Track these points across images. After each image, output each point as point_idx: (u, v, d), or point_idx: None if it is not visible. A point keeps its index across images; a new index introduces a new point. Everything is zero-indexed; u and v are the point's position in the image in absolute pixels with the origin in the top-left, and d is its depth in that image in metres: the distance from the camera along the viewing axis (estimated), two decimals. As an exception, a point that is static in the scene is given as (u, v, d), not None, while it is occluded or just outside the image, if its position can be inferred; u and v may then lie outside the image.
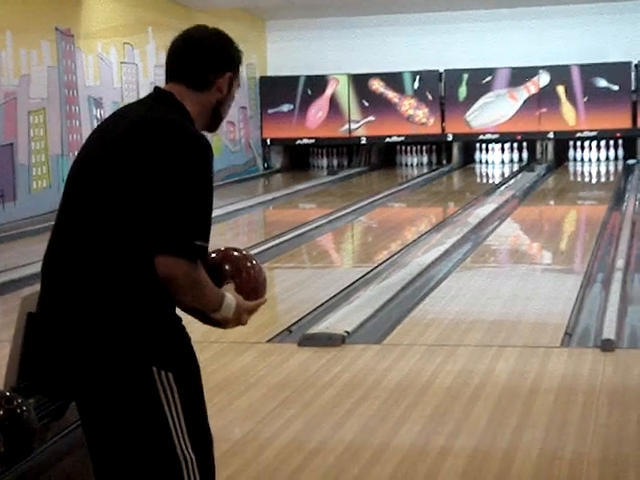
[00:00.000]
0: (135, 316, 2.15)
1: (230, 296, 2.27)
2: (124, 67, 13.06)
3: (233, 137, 16.44)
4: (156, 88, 2.35)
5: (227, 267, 2.35)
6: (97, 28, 12.48)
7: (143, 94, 10.67)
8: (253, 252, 8.59)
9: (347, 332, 5.40)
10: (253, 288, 2.37)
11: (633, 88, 15.99)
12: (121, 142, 2.17)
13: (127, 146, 2.16)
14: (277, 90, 17.24)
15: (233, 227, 11.25)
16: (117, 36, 12.90)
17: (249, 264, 2.39)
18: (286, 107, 17.25)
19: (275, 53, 17.67)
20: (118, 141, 2.17)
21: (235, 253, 2.41)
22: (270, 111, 17.33)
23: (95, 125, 12.29)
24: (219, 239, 10.45)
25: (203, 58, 2.31)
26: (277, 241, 9.20)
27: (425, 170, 16.57)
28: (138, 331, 2.15)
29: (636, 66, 15.97)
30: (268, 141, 17.43)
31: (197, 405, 2.30)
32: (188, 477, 2.18)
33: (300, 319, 5.95)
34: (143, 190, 2.11)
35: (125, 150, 2.15)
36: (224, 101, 2.34)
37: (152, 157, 2.13)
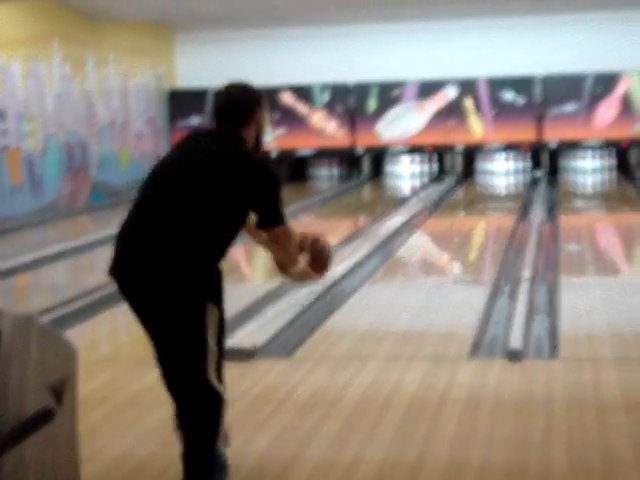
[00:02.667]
0: (201, 262, 3.35)
1: (301, 260, 3.57)
2: (29, 79, 12.83)
3: (142, 149, 16.28)
4: (221, 126, 3.49)
5: (306, 244, 3.59)
6: (1, 40, 12.24)
7: (48, 106, 10.50)
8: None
9: (257, 346, 5.38)
10: (316, 260, 3.60)
11: (538, 101, 16.34)
12: (215, 163, 3.35)
13: (220, 167, 3.35)
14: (186, 102, 17.14)
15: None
16: (22, 48, 12.67)
17: (318, 247, 3.61)
18: (196, 120, 17.16)
19: (184, 66, 17.58)
20: (213, 162, 3.36)
21: (312, 237, 3.63)
22: (179, 124, 17.22)
23: None
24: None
25: (244, 106, 3.52)
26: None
27: (335, 183, 16.66)
28: (200, 271, 3.36)
29: (541, 79, 16.33)
30: (178, 154, 17.29)
31: (220, 319, 3.47)
32: (208, 360, 3.38)
33: (210, 333, 5.90)
34: (230, 195, 3.33)
35: (220, 169, 3.35)
36: (261, 128, 3.57)
37: (238, 177, 3.35)
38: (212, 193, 3.33)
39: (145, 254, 3.35)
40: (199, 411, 3.43)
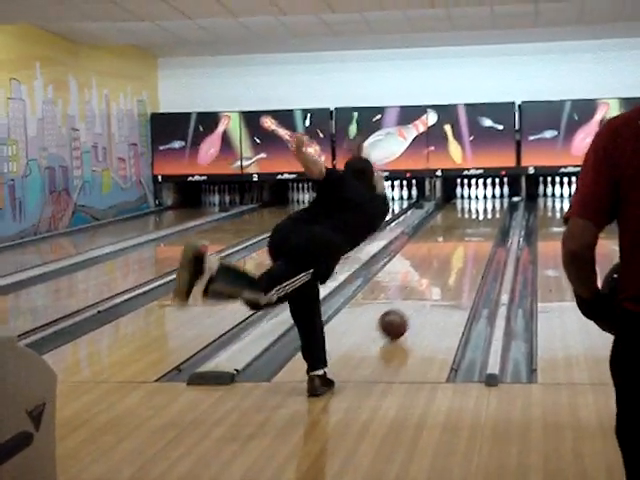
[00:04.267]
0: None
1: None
2: (11, 103, 12.84)
3: (124, 174, 16.30)
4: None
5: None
6: (-17, 63, 12.26)
7: (31, 131, 10.55)
8: (143, 290, 8.52)
9: (237, 370, 5.40)
10: None
11: (517, 127, 16.48)
12: None
13: None
14: (168, 127, 17.19)
15: (124, 264, 11.13)
16: (3, 71, 12.69)
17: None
18: (177, 144, 17.21)
19: (167, 90, 17.63)
20: None
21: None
22: (161, 148, 17.26)
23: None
24: (108, 277, 10.33)
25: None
26: (168, 278, 9.12)
27: (317, 207, 16.70)
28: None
29: (519, 106, 16.48)
30: (159, 178, 17.34)
31: None
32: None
33: (190, 357, 5.92)
34: None
35: None
36: None
37: None
38: None
39: None
40: None
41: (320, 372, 4.97)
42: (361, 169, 5.25)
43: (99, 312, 7.50)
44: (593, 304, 2.53)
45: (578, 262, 2.44)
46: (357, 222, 5.04)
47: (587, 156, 2.41)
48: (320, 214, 5.01)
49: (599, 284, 2.57)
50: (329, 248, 4.94)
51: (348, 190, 5.05)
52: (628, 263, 2.46)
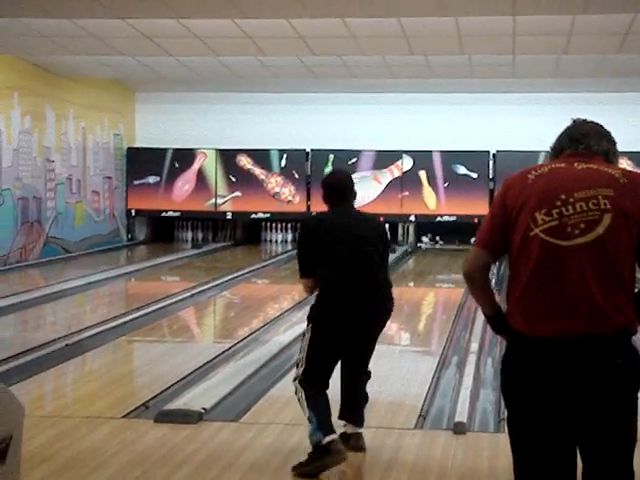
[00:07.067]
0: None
1: None
2: (-13, 132, 12.79)
3: (97, 207, 16.25)
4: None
5: None
6: (-39, 91, 12.23)
7: (6, 160, 10.48)
8: (112, 324, 8.47)
9: (205, 409, 5.37)
10: None
11: (491, 176, 16.61)
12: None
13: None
14: (144, 161, 17.18)
15: (93, 298, 11.07)
16: (-19, 100, 12.66)
17: None
18: (152, 179, 17.19)
19: (144, 124, 17.65)
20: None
21: None
22: (136, 182, 17.23)
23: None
24: (77, 310, 10.26)
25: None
26: (138, 314, 9.09)
27: (289, 247, 16.71)
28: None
29: (494, 155, 16.62)
30: (133, 212, 17.30)
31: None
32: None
33: (158, 394, 5.88)
34: None
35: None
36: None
37: None
38: None
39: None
40: None
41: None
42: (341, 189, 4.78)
43: (67, 345, 7.45)
44: (494, 320, 2.94)
45: (471, 282, 2.89)
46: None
47: (491, 206, 2.95)
48: None
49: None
50: None
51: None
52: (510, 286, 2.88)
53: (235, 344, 7.63)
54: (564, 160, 2.89)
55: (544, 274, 2.74)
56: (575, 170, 2.83)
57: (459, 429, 5.08)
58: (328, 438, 4.36)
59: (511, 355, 2.83)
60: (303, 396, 4.50)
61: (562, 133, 2.98)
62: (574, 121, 3.00)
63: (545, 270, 2.74)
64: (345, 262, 4.56)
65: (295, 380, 4.57)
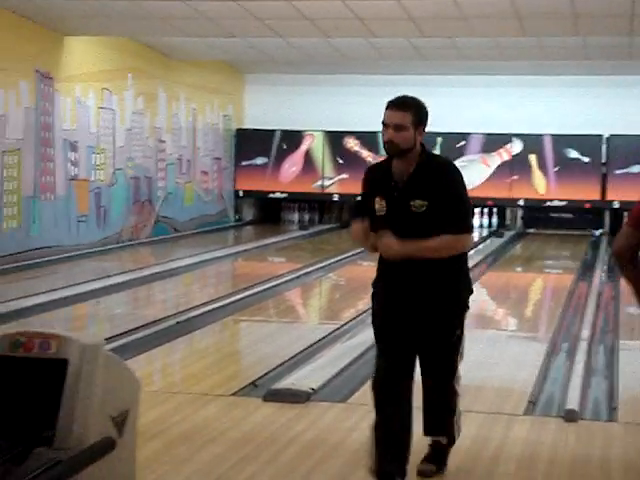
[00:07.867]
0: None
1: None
2: (102, 112, 13.09)
3: (206, 187, 16.47)
4: None
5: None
6: (77, 72, 12.51)
7: (119, 140, 10.70)
8: (220, 304, 8.58)
9: (312, 389, 5.39)
10: None
11: (603, 161, 16.24)
12: None
13: None
14: (252, 143, 17.34)
15: (201, 277, 11.23)
16: (96, 81, 12.94)
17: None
18: (260, 160, 17.34)
19: (253, 106, 17.79)
20: None
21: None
22: (244, 163, 17.41)
23: (69, 168, 12.27)
24: (186, 289, 10.43)
25: None
26: (245, 294, 9.18)
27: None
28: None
29: (607, 139, 16.24)
30: (240, 193, 17.48)
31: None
32: None
33: (266, 373, 5.93)
34: None
35: None
36: None
37: None
38: None
39: None
40: None
41: None
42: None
43: (177, 323, 7.58)
44: None
45: (620, 261, 2.87)
46: None
47: None
48: None
49: None
50: None
51: None
52: None
53: (341, 326, 7.65)
54: None
55: None
56: None
57: (570, 416, 4.98)
58: None
59: None
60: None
61: None
62: None
63: None
64: None
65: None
